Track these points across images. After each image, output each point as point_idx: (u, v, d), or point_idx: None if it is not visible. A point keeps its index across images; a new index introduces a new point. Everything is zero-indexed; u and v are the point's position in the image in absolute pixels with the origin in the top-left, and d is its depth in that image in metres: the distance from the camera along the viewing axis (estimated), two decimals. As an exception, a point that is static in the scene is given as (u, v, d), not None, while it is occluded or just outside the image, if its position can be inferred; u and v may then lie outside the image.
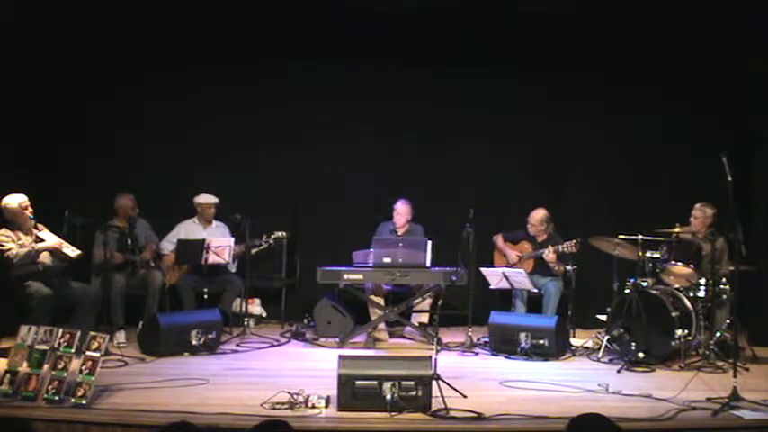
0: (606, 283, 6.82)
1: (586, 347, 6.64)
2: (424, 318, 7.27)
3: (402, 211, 7.46)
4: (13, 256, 6.20)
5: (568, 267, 7.10)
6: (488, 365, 6.23)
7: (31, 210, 6.34)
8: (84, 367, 4.75)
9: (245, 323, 7.28)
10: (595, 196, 7.99)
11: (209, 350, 6.36)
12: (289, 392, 4.78)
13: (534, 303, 7.28)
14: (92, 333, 4.93)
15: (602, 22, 7.61)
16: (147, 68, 7.71)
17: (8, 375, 4.83)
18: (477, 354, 6.61)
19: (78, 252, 6.45)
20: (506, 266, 7.29)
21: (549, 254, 7.07)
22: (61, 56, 7.46)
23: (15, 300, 6.18)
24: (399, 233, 7.46)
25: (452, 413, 4.64)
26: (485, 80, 7.95)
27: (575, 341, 6.79)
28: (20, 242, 6.28)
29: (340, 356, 4.87)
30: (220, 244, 7.18)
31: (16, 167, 7.04)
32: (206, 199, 7.53)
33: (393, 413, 4.59)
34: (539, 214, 7.37)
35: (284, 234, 7.71)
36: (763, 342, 6.58)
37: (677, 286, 6.53)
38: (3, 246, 6.22)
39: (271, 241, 7.40)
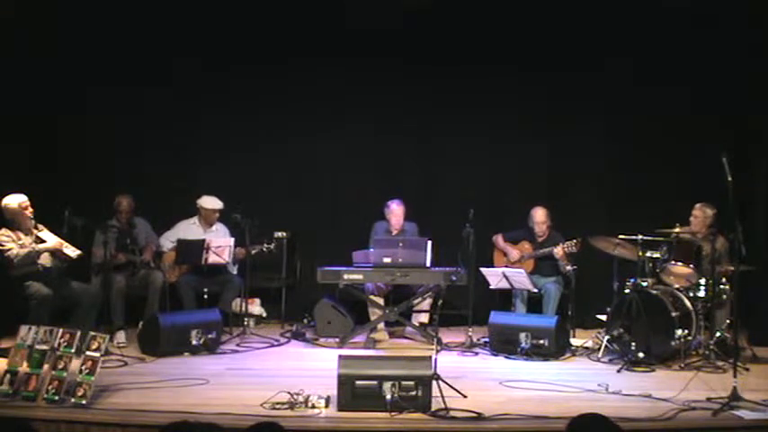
0: (606, 283, 6.82)
1: (586, 347, 6.63)
2: (424, 318, 7.27)
3: (398, 212, 7.45)
4: (14, 256, 6.20)
5: (569, 267, 7.10)
6: (488, 365, 6.23)
7: (31, 210, 6.34)
8: (84, 367, 4.75)
9: (245, 323, 7.27)
10: (595, 196, 7.99)
11: (209, 350, 6.36)
12: (289, 392, 4.78)
13: (534, 303, 7.28)
14: (92, 333, 4.94)
15: (602, 22, 7.61)
16: (147, 68, 7.70)
17: (8, 375, 4.83)
18: (477, 354, 6.61)
19: (78, 252, 6.46)
20: (507, 266, 7.30)
21: (559, 251, 7.07)
22: (61, 55, 7.45)
23: (15, 300, 6.18)
24: (394, 233, 7.45)
25: (452, 413, 4.63)
26: (485, 80, 7.96)
27: (575, 341, 6.78)
28: (20, 242, 6.28)
29: (340, 356, 4.87)
30: (220, 244, 7.17)
31: (16, 167, 7.04)
32: (211, 204, 7.47)
33: (393, 413, 4.59)
34: (542, 211, 7.39)
35: (284, 234, 7.72)
36: (763, 342, 6.56)
37: (677, 286, 6.52)
38: (3, 246, 6.23)
39: (272, 247, 7.38)
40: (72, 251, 6.41)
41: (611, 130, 7.96)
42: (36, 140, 7.43)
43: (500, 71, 7.90)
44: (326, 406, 4.69)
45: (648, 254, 6.47)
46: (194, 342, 6.29)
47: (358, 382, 4.68)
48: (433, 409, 4.66)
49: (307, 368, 5.99)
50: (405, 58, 7.84)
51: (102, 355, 4.84)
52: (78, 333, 4.95)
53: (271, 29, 7.80)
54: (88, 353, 4.81)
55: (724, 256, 6.57)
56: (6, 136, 7.17)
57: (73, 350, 4.86)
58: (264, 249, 7.35)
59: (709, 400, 4.89)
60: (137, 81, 7.70)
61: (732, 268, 6.07)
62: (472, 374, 5.76)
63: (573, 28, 7.68)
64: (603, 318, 6.61)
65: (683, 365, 5.94)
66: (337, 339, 6.89)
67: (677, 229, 6.43)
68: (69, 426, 4.43)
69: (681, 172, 7.75)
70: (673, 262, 6.46)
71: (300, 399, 4.72)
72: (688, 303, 6.30)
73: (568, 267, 7.10)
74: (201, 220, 7.55)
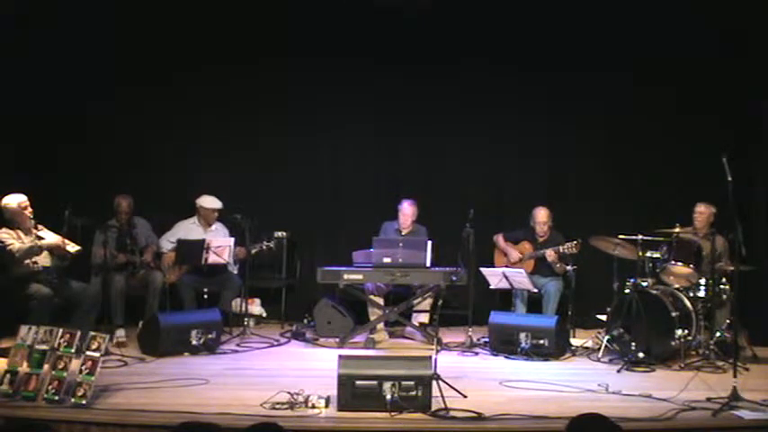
0: (606, 283, 6.82)
1: (586, 347, 6.64)
2: (424, 318, 7.26)
3: (408, 212, 7.45)
4: (16, 250, 6.19)
5: (568, 267, 7.11)
6: (488, 365, 6.23)
7: (30, 210, 6.34)
8: (84, 367, 4.75)
9: (245, 323, 7.27)
10: (595, 196, 7.98)
11: (209, 350, 6.36)
12: (289, 392, 4.78)
13: (534, 303, 7.29)
14: (92, 333, 4.93)
15: (602, 23, 7.61)
16: (147, 68, 7.71)
17: (8, 375, 4.83)
18: (477, 354, 6.61)
19: (78, 248, 6.45)
20: (507, 266, 7.31)
21: (551, 254, 7.10)
22: (61, 56, 7.45)
23: (15, 300, 6.18)
24: (404, 233, 7.46)
25: (452, 413, 4.63)
26: (485, 80, 7.96)
27: (575, 341, 6.79)
28: (20, 241, 6.28)
29: (340, 356, 4.87)
30: (220, 244, 7.17)
31: (16, 168, 7.04)
32: (210, 203, 7.47)
33: (393, 413, 4.59)
34: (544, 211, 7.40)
35: (284, 234, 7.72)
36: (763, 342, 6.57)
37: (677, 286, 6.53)
38: (4, 242, 6.22)
39: (272, 244, 7.39)
40: (71, 247, 6.41)
41: (611, 130, 7.96)
42: (36, 140, 7.42)
43: (500, 71, 7.91)
44: (326, 406, 4.69)
45: (648, 254, 6.48)
46: (194, 342, 6.28)
47: (358, 382, 4.68)
48: (433, 409, 4.66)
49: (307, 368, 5.99)
50: (405, 59, 7.84)
51: (102, 355, 4.83)
52: (78, 333, 4.95)
53: (271, 28, 7.80)
54: (88, 353, 4.81)
55: (724, 256, 6.58)
56: (6, 136, 7.17)
57: (73, 350, 4.86)
58: (264, 247, 7.35)
59: (709, 400, 4.89)
60: (136, 81, 7.69)
61: (732, 268, 6.07)
62: (472, 374, 5.76)
63: (573, 28, 7.68)
64: (603, 318, 6.61)
65: (683, 365, 5.95)
66: (337, 339, 6.89)
67: (677, 229, 6.44)
68: (69, 426, 4.42)
69: (681, 172, 7.75)
70: (673, 262, 6.47)
71: (300, 399, 4.72)
72: (688, 303, 6.30)
73: (568, 267, 7.10)
74: (201, 219, 7.54)
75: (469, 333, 6.83)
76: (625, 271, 6.63)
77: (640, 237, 6.40)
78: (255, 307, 7.88)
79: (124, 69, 7.67)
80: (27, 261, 6.23)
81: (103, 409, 4.65)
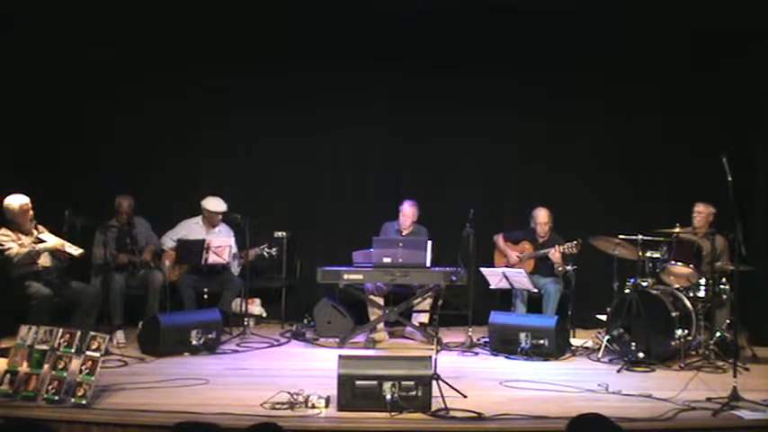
0: (606, 283, 6.82)
1: (586, 347, 6.64)
2: (424, 318, 7.27)
3: (408, 212, 7.45)
4: (14, 255, 6.20)
5: (569, 267, 7.11)
6: (488, 365, 6.23)
7: (32, 212, 6.34)
8: (84, 367, 4.75)
9: (245, 323, 7.27)
10: (595, 196, 7.98)
11: (209, 350, 6.36)
12: (289, 392, 4.79)
13: (534, 303, 7.29)
14: (92, 333, 4.94)
15: (601, 23, 7.61)
16: (147, 68, 7.71)
17: (8, 375, 4.84)
18: (477, 354, 6.61)
19: (81, 251, 6.45)
20: (507, 266, 7.30)
21: (555, 253, 7.08)
22: (61, 56, 7.45)
23: (15, 300, 6.18)
24: (404, 234, 7.46)
25: (452, 413, 4.64)
26: (485, 80, 7.96)
27: (575, 341, 6.79)
28: (20, 242, 6.28)
29: (340, 356, 4.88)
30: (220, 244, 7.17)
31: (16, 167, 7.05)
32: (215, 207, 7.43)
33: (393, 413, 4.59)
34: (545, 212, 7.39)
35: (284, 234, 7.71)
36: (763, 342, 6.57)
37: (677, 286, 6.53)
38: (3, 245, 6.22)
39: (273, 252, 7.38)
40: (74, 249, 6.41)
41: (610, 130, 7.96)
42: (36, 140, 7.43)
43: (500, 71, 7.91)
44: (326, 406, 4.69)
45: (648, 254, 6.49)
46: (194, 342, 6.29)
47: (358, 382, 4.68)
48: (433, 409, 4.66)
49: (307, 368, 5.99)
50: (405, 59, 7.84)
51: (102, 355, 4.84)
52: (78, 333, 4.96)
53: (271, 28, 7.80)
54: (88, 353, 4.81)
55: (724, 256, 6.58)
56: (6, 136, 7.17)
57: (73, 350, 4.87)
58: (266, 254, 7.34)
59: (709, 400, 4.90)
60: (136, 81, 7.70)
61: (732, 268, 6.07)
62: (472, 374, 5.76)
63: (573, 28, 7.68)
64: (603, 318, 6.61)
65: (683, 365, 5.95)
66: (337, 339, 6.89)
67: (677, 229, 6.44)
68: (69, 426, 4.43)
69: (681, 172, 7.75)
70: (673, 262, 6.47)
71: (300, 399, 4.72)
72: (688, 303, 6.31)
73: (568, 268, 7.10)
74: (205, 220, 7.53)
75: (469, 333, 6.83)
76: (625, 271, 6.64)
77: (640, 237, 6.40)
78: (255, 307, 7.88)
79: (124, 69, 7.67)
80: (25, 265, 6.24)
81: (103, 409, 4.66)
